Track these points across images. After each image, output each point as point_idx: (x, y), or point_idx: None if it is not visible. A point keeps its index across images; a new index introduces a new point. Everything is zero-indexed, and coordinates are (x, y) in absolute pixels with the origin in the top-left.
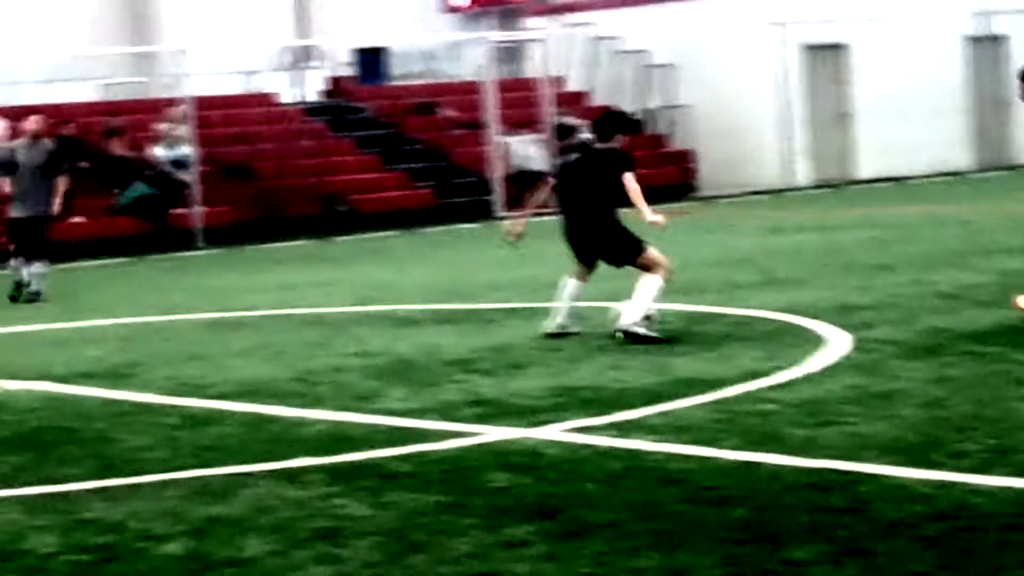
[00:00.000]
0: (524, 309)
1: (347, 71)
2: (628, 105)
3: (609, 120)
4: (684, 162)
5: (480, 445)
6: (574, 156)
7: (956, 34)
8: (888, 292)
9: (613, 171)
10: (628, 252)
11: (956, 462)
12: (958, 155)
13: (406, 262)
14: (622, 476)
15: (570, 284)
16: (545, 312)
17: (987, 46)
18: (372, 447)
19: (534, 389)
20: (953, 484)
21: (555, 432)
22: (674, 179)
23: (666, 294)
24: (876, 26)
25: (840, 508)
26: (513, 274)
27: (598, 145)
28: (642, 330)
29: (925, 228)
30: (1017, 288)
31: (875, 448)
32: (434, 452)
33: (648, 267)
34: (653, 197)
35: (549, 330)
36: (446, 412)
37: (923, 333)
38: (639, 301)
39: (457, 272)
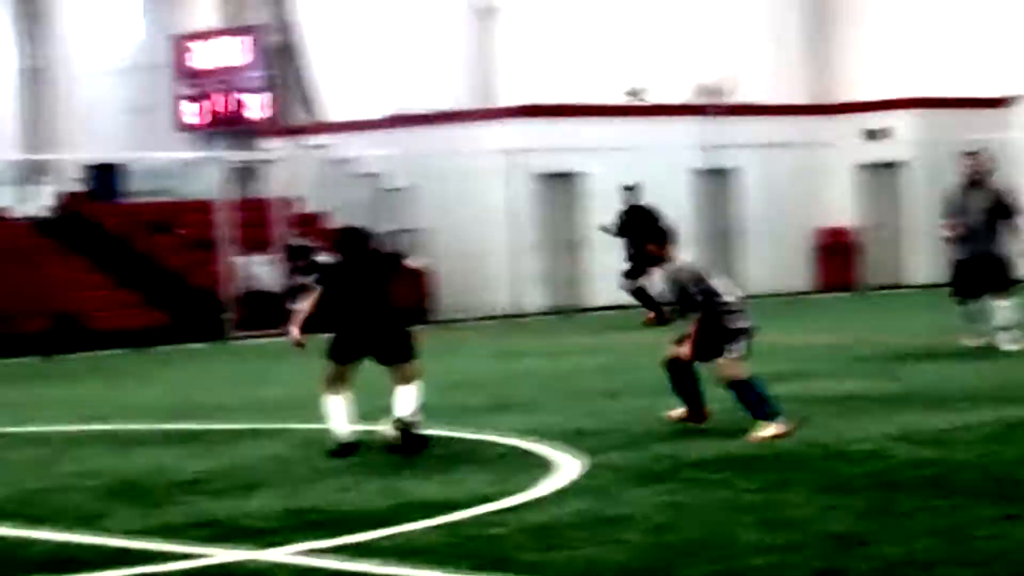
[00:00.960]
0: (253, 430)
1: (79, 187)
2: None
3: (350, 234)
4: (418, 284)
5: (207, 567)
6: (339, 259)
7: (685, 165)
8: (617, 418)
9: (389, 269)
10: (409, 350)
11: None
12: None
13: (136, 381)
14: None
15: (340, 401)
16: (273, 433)
17: (715, 178)
18: (98, 569)
19: (264, 511)
20: None
21: (284, 554)
22: (408, 302)
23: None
24: (608, 156)
25: None
26: (244, 395)
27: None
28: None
29: (654, 355)
30: (743, 419)
31: (602, 572)
32: (160, 574)
33: (413, 374)
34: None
35: (338, 444)
36: (173, 533)
37: (651, 459)
38: (412, 399)
39: (187, 392)
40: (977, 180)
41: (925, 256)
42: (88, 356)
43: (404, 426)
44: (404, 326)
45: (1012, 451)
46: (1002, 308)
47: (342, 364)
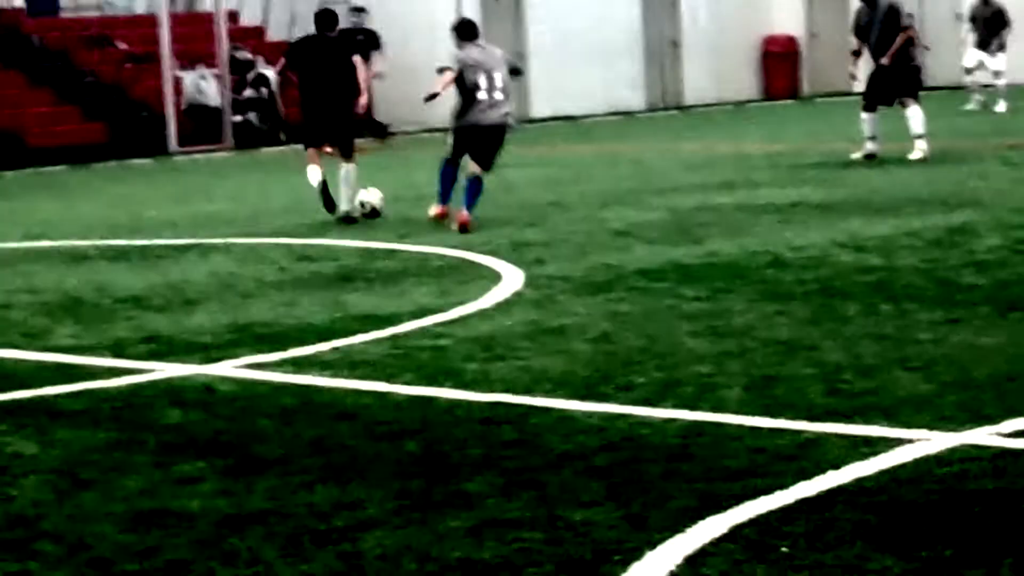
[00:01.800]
0: (198, 245)
1: (15, 2)
2: None
3: (327, 14)
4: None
5: (152, 382)
6: (308, 37)
7: None
8: (561, 229)
9: (347, 53)
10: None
11: (624, 395)
12: (630, 96)
13: (77, 198)
14: (296, 412)
15: (317, 173)
16: (218, 248)
17: None
18: (40, 385)
19: (207, 325)
20: (621, 416)
21: (228, 368)
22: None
23: (341, 231)
24: None
25: (512, 441)
26: (187, 210)
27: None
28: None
29: (597, 167)
30: (688, 228)
31: (547, 382)
32: (104, 389)
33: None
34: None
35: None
36: (117, 349)
37: (594, 269)
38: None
39: (130, 208)
40: None
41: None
42: (28, 173)
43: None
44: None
45: (955, 256)
46: (911, 116)
47: (311, 146)
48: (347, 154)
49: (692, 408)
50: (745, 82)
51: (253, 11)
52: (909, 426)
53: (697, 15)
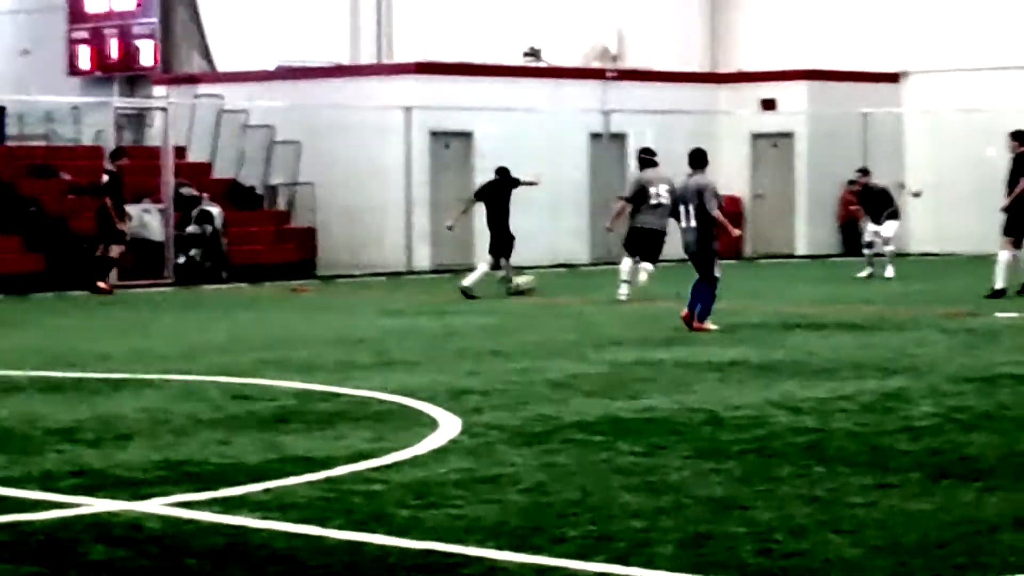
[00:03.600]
0: (132, 380)
1: None
2: (251, 180)
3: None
4: (305, 240)
5: (79, 516)
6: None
7: (582, 130)
8: (500, 378)
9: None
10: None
11: (557, 547)
12: (575, 248)
13: (12, 327)
14: (225, 553)
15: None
16: (152, 384)
17: (608, 143)
18: None
19: (138, 461)
20: (553, 569)
21: (157, 506)
22: (295, 256)
23: (281, 371)
24: (504, 116)
25: None
26: (123, 345)
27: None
28: None
29: (540, 317)
30: (627, 382)
31: (479, 531)
32: (32, 522)
33: None
34: (274, 274)
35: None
36: (46, 482)
37: (531, 420)
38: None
39: (65, 340)
40: None
41: (813, 227)
42: None
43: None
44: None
45: (890, 421)
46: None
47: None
48: None
49: (624, 563)
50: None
51: (201, 148)
52: None
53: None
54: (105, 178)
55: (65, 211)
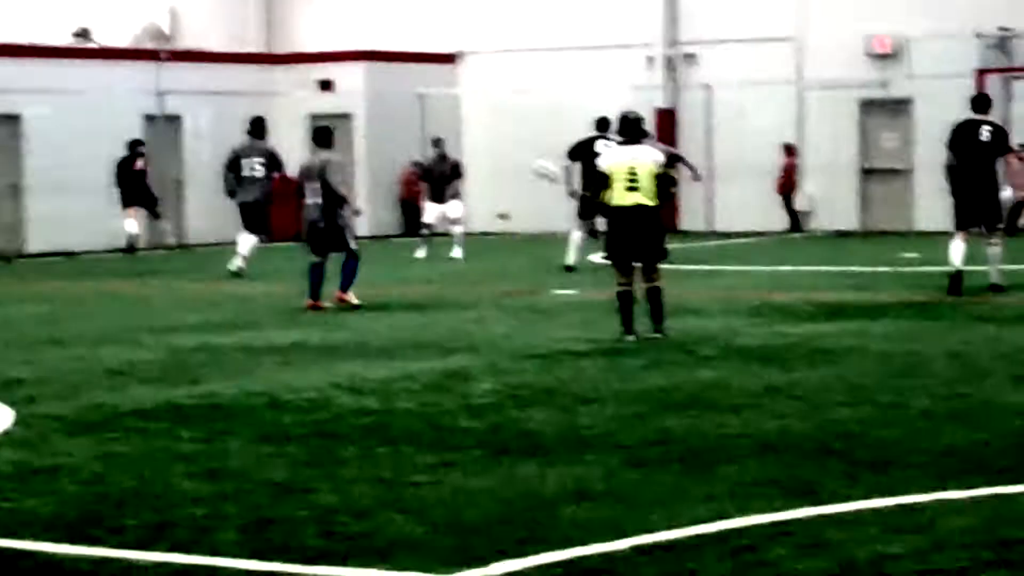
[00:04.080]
0: None
1: None
2: None
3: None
4: None
5: None
6: None
7: (136, 111)
8: (54, 367)
9: None
10: None
11: (116, 538)
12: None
13: None
14: None
15: None
16: None
17: (164, 125)
18: None
19: None
20: (112, 560)
21: None
22: None
23: None
24: (53, 98)
25: None
26: None
27: None
28: None
29: (97, 304)
30: (190, 368)
31: (35, 525)
32: None
33: None
34: None
35: None
36: None
37: (88, 409)
38: None
39: None
40: None
41: (374, 207)
42: None
43: None
44: None
45: (451, 400)
46: None
47: None
48: None
49: (186, 551)
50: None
51: None
52: (403, 568)
53: (200, 155)
54: None
55: None
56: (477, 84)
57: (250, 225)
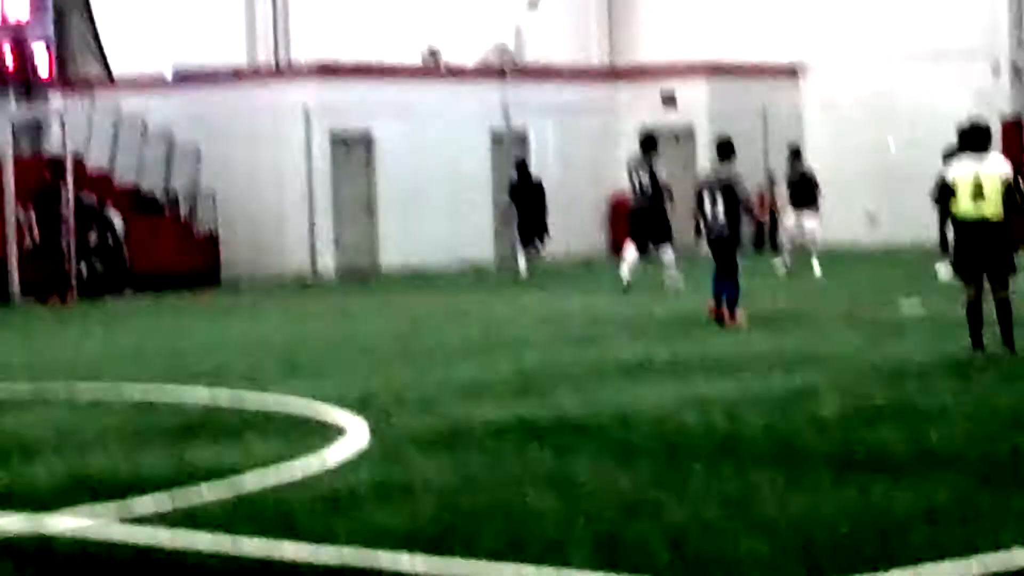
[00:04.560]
0: (38, 393)
1: None
2: (150, 186)
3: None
4: (208, 248)
5: None
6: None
7: (483, 130)
8: (408, 383)
9: None
10: None
11: (471, 552)
12: (480, 249)
13: None
14: (135, 568)
15: None
16: (59, 397)
17: (510, 143)
18: None
19: (45, 477)
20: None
21: (65, 522)
22: (198, 264)
23: (187, 381)
24: (404, 117)
25: None
26: (27, 357)
27: None
28: None
29: (446, 320)
30: (536, 382)
31: (392, 539)
32: None
33: None
34: (177, 282)
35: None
36: None
37: (442, 424)
38: None
39: None
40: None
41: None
42: None
43: None
44: None
45: (797, 418)
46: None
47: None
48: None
49: (539, 564)
50: (593, 238)
51: (100, 156)
52: None
53: (545, 171)
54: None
55: None
56: (820, 96)
57: (638, 236)
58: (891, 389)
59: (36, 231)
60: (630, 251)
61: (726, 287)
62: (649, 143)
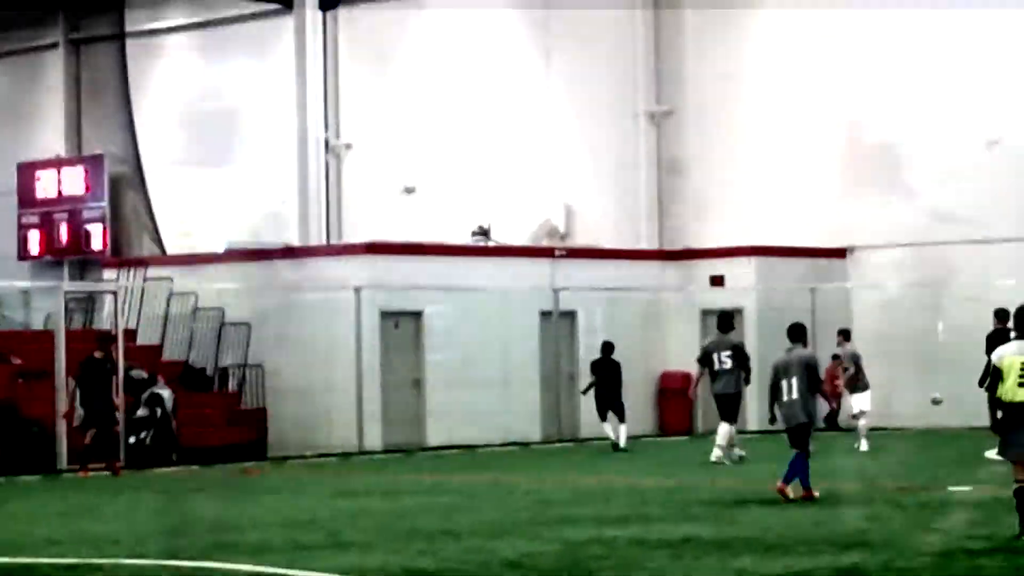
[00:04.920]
0: (82, 565)
1: None
2: (202, 362)
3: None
4: (256, 421)
5: None
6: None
7: (532, 307)
8: (454, 558)
9: None
10: None
11: None
12: (526, 426)
13: None
14: None
15: None
16: (103, 569)
17: (559, 321)
18: None
19: None
20: None
21: None
22: (246, 438)
23: (232, 554)
24: (453, 295)
25: None
26: (73, 529)
27: None
28: None
29: (492, 496)
30: (579, 557)
31: None
32: None
33: None
34: (225, 455)
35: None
36: None
37: None
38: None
39: (16, 526)
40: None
41: (760, 402)
42: None
43: None
44: None
45: None
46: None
47: None
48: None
49: None
50: (641, 416)
51: (151, 331)
52: None
53: (593, 350)
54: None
55: (15, 396)
56: (867, 277)
57: (727, 415)
58: (938, 571)
59: (76, 402)
60: (724, 429)
61: (799, 465)
62: (727, 322)
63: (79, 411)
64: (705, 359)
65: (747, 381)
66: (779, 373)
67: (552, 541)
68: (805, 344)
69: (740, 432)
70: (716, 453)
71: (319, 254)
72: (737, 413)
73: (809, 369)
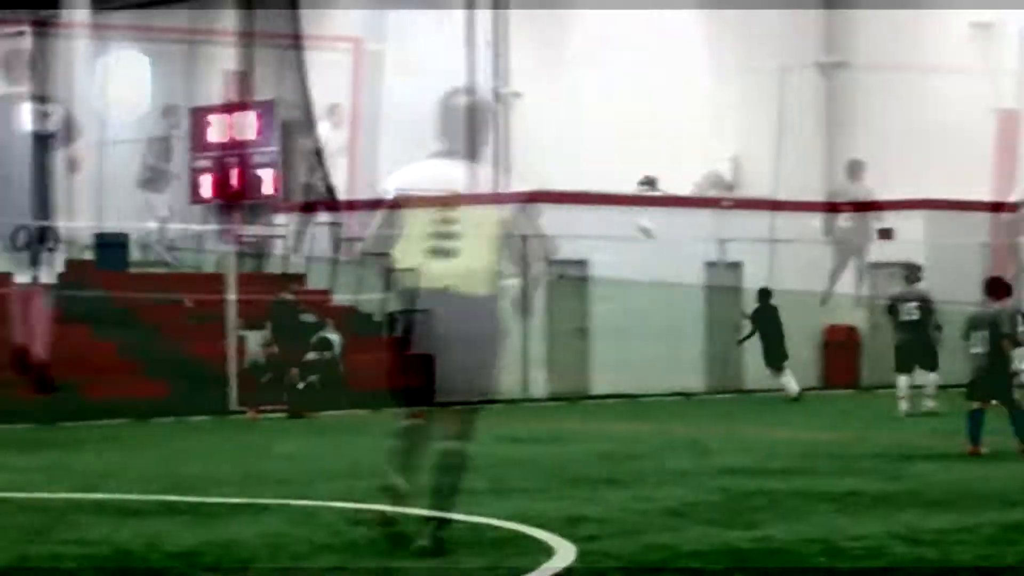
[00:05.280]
0: (250, 505)
1: (88, 255)
2: (370, 307)
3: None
4: (423, 366)
5: None
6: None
7: (698, 258)
8: (616, 506)
9: None
10: None
11: None
12: (690, 377)
13: (133, 451)
14: None
15: None
16: (270, 508)
17: (724, 272)
18: None
19: None
20: None
21: None
22: (412, 383)
23: (382, 500)
24: (619, 245)
25: None
26: (243, 469)
27: None
28: None
29: (656, 445)
30: (744, 509)
31: None
32: None
33: None
34: (391, 401)
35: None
36: None
37: (647, 549)
38: None
39: (185, 464)
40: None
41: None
42: (86, 425)
43: None
44: None
45: (1012, 555)
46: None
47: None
48: None
49: None
50: (805, 369)
51: (319, 275)
52: None
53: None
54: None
55: (185, 338)
56: None
57: (904, 367)
58: None
59: (275, 344)
60: (903, 381)
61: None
62: (914, 273)
63: (273, 350)
64: (891, 309)
65: (938, 329)
66: (971, 327)
67: (713, 491)
68: (1004, 299)
69: (914, 387)
70: (928, 404)
71: (483, 202)
72: (925, 364)
73: (995, 324)
